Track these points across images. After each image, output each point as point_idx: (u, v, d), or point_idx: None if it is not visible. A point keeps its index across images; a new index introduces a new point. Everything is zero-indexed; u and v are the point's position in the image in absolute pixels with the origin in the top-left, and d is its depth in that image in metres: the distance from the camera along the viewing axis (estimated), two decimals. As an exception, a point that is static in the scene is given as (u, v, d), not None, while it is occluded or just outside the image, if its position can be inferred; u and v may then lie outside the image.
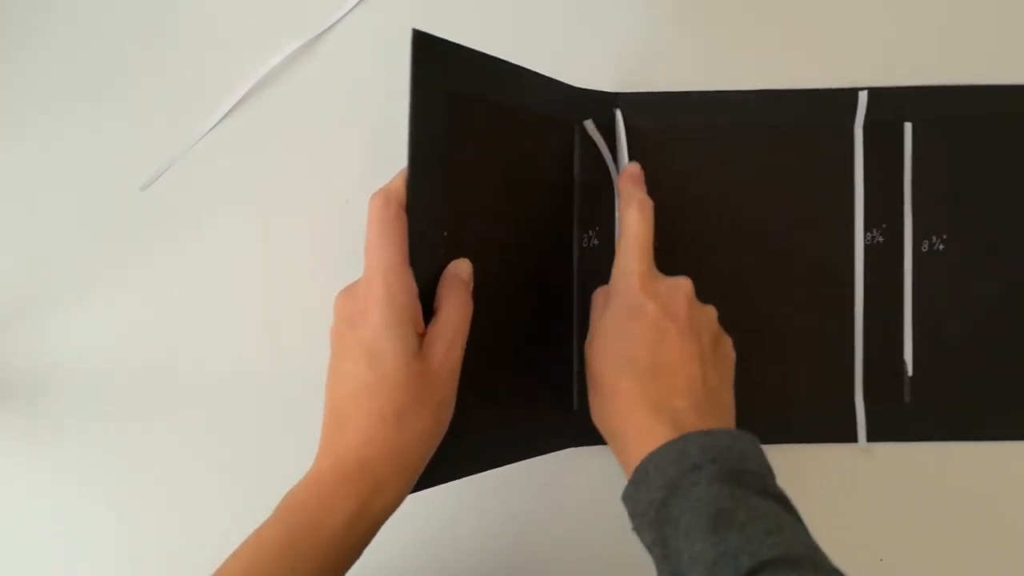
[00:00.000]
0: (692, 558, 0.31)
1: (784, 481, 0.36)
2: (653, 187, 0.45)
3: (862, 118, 0.46)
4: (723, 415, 0.38)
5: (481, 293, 0.39)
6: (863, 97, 0.46)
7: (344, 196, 0.47)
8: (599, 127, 0.45)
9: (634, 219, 0.40)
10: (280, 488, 0.45)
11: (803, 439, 0.47)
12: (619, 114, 0.46)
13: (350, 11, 0.47)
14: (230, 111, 0.47)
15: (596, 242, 0.46)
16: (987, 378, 0.46)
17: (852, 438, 0.46)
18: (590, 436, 0.47)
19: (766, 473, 0.35)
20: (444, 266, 0.37)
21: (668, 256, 0.46)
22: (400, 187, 0.34)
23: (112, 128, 0.47)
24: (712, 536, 0.31)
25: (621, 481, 0.48)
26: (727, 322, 0.43)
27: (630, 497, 0.35)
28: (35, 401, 0.47)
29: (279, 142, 0.47)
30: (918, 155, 0.46)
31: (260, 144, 0.47)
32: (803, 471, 0.47)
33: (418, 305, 0.34)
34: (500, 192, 0.41)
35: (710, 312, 0.40)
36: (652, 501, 0.34)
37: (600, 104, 0.46)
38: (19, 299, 0.47)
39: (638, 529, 0.35)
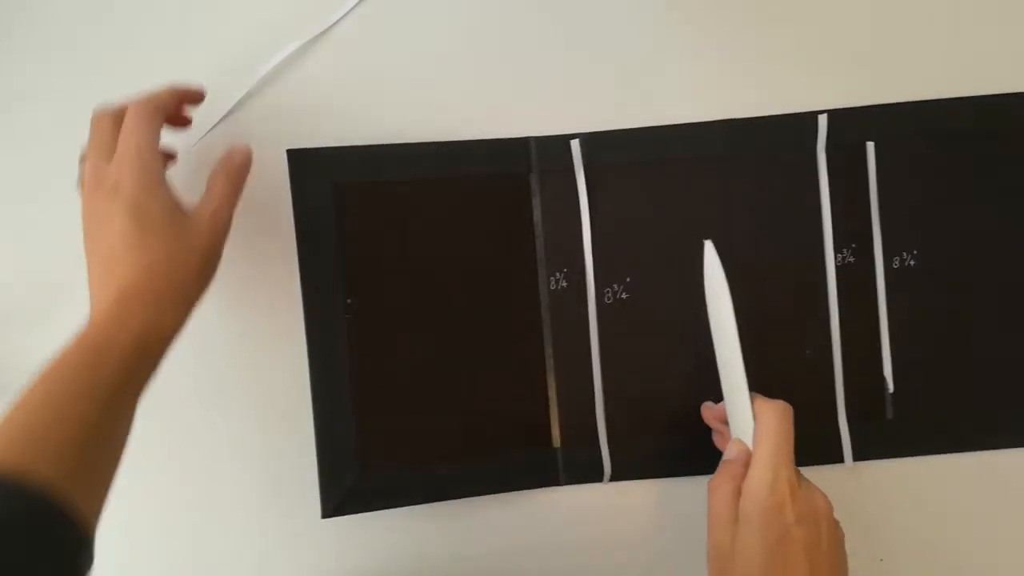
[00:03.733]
0: None
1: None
2: (615, 223, 0.47)
3: (824, 141, 0.46)
4: None
5: (438, 345, 0.45)
6: (823, 120, 0.46)
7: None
8: (555, 170, 0.46)
9: (773, 420, 0.39)
10: (279, 484, 0.48)
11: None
12: (575, 145, 0.46)
13: (350, 11, 0.47)
14: (230, 111, 0.47)
15: (565, 284, 0.47)
16: (967, 389, 0.46)
17: (838, 459, 0.46)
18: (571, 474, 0.47)
19: None
20: (351, 328, 0.45)
21: (638, 286, 0.47)
22: (162, 95, 0.40)
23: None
24: None
25: (609, 514, 0.49)
26: (700, 351, 0.44)
27: None
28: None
29: (278, 142, 0.47)
30: (883, 173, 0.46)
31: (259, 144, 0.46)
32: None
33: (168, 178, 0.39)
34: (433, 253, 0.46)
35: (839, 529, 0.40)
36: None
37: (551, 148, 0.46)
38: (19, 299, 0.47)
39: None
